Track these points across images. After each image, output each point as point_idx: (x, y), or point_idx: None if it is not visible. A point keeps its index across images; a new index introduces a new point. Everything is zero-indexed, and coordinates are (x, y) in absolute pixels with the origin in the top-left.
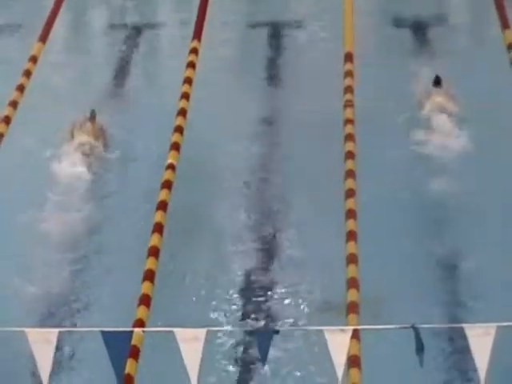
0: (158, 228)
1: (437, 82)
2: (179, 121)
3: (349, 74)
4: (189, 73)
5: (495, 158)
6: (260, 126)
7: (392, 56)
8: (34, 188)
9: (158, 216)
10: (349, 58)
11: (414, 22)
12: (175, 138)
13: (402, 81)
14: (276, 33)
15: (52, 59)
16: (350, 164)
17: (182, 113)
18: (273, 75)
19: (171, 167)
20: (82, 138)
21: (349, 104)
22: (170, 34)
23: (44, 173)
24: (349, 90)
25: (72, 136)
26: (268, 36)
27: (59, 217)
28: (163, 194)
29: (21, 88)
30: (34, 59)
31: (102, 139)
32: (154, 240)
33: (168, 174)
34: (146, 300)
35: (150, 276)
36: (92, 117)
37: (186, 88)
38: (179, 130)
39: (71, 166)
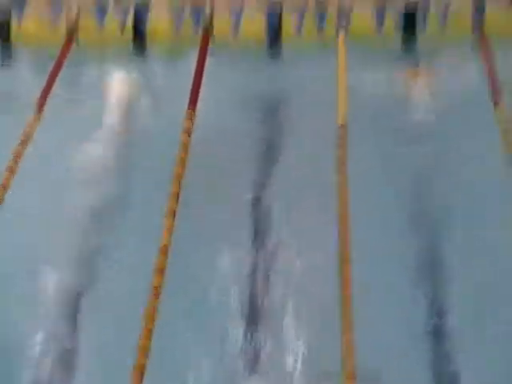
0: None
1: None
2: (175, 187)
3: (341, 146)
4: (184, 138)
5: None
6: (252, 200)
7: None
8: None
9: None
10: (342, 130)
11: None
12: (171, 204)
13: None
14: (270, 104)
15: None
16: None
17: (177, 177)
18: (266, 155)
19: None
20: None
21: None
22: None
23: None
24: (341, 161)
25: None
26: (261, 107)
27: None
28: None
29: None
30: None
31: None
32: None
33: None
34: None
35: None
36: None
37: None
38: (175, 196)
39: None
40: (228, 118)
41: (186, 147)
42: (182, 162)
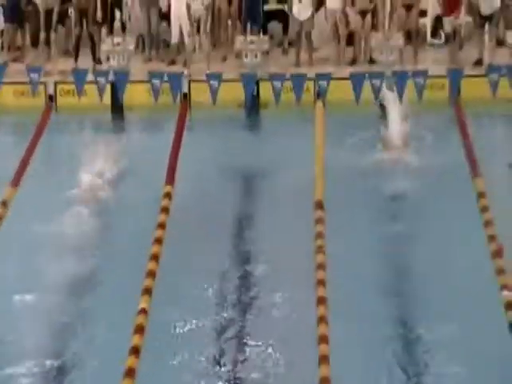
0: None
1: None
2: (151, 266)
3: (319, 221)
4: (162, 218)
5: None
6: (229, 280)
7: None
8: None
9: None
10: (319, 205)
11: None
12: (147, 282)
13: None
14: (247, 179)
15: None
16: (321, 310)
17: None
18: (244, 224)
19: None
20: None
21: (320, 250)
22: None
23: None
24: (320, 236)
25: None
26: (239, 182)
27: None
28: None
29: None
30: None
31: None
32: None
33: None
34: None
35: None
36: None
37: (159, 233)
38: (151, 274)
39: None
40: (206, 186)
41: (163, 225)
42: (160, 241)
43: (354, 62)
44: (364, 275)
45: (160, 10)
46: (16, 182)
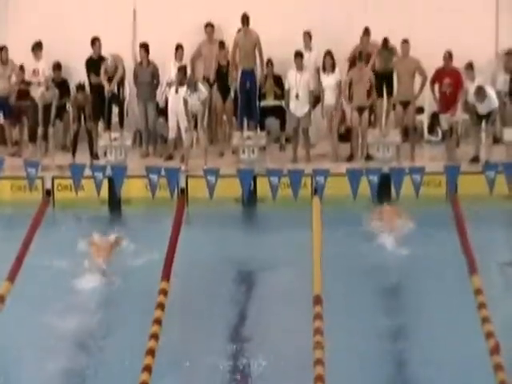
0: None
1: None
2: (148, 360)
3: (318, 316)
4: (158, 314)
5: None
6: (226, 376)
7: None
8: None
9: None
10: (317, 300)
11: None
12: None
13: None
14: (245, 274)
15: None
16: None
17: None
18: (241, 320)
19: None
20: None
21: (319, 346)
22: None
23: None
24: (318, 331)
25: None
26: (237, 277)
27: None
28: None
29: None
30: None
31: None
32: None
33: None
34: None
35: None
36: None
37: (155, 329)
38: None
39: None
40: (203, 281)
41: (159, 321)
42: (156, 337)
43: (350, 158)
44: (363, 369)
45: (157, 105)
46: (12, 276)
